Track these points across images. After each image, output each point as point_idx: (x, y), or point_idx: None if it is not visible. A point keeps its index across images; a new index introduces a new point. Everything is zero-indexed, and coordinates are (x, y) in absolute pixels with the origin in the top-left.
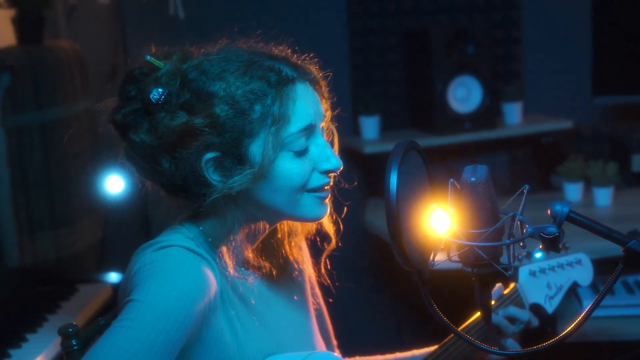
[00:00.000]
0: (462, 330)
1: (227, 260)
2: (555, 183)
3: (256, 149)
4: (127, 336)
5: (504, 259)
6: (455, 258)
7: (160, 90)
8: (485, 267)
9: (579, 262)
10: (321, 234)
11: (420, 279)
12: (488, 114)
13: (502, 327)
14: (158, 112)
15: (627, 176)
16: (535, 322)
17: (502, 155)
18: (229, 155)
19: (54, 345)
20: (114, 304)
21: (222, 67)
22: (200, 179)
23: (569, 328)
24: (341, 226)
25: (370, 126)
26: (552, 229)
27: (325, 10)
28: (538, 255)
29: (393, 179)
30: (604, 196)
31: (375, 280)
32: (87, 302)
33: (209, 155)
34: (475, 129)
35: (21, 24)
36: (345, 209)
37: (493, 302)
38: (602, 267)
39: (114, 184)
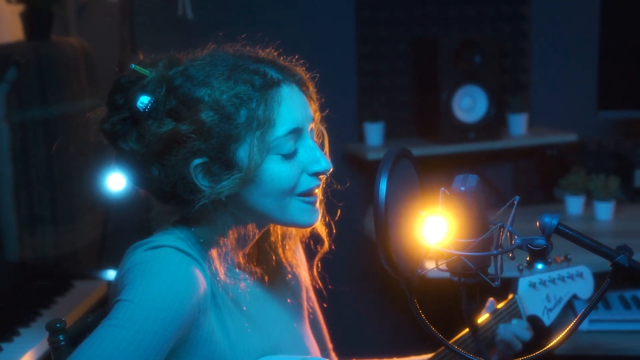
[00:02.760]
0: (457, 340)
1: (218, 265)
2: (559, 196)
3: (243, 153)
4: (115, 335)
5: (492, 269)
6: (443, 267)
7: (146, 98)
8: (472, 277)
9: (580, 275)
10: (315, 237)
11: (408, 287)
12: (493, 125)
13: (512, 344)
14: (145, 120)
15: (629, 191)
16: (527, 335)
17: (507, 166)
18: (216, 160)
19: (46, 340)
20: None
21: (207, 72)
22: (189, 186)
23: (555, 341)
24: (334, 229)
25: (374, 133)
26: (540, 241)
27: (333, 16)
28: (539, 266)
29: (382, 186)
30: (605, 210)
31: (374, 285)
32: (81, 298)
33: (197, 161)
34: (480, 139)
35: (30, 20)
36: (339, 211)
37: (488, 315)
38: (602, 281)
39: (115, 182)
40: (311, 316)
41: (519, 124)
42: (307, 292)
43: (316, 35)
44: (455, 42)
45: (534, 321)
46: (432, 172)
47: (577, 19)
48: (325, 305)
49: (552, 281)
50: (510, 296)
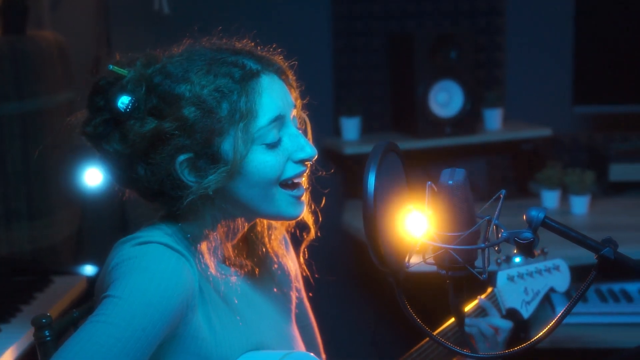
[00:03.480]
0: (438, 333)
1: (208, 259)
2: (533, 190)
3: (227, 146)
4: (102, 331)
5: (478, 263)
6: (431, 260)
7: (127, 98)
8: (460, 271)
9: (556, 268)
10: (300, 225)
11: (395, 280)
12: (469, 119)
13: (487, 335)
14: (127, 120)
15: (604, 185)
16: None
17: (481, 160)
18: (201, 155)
19: (27, 336)
20: (88, 296)
21: (186, 67)
22: (176, 182)
23: (541, 333)
24: (320, 217)
25: (351, 127)
26: (527, 234)
27: (310, 10)
28: (517, 260)
29: (371, 180)
30: (580, 204)
31: (352, 280)
32: (61, 294)
33: (182, 157)
34: (456, 133)
35: (4, 14)
36: (324, 199)
37: (468, 309)
38: (576, 274)
39: (92, 177)
40: (297, 310)
41: (494, 118)
42: (295, 283)
43: (292, 29)
44: (431, 37)
45: (512, 314)
46: (407, 167)
47: (551, 13)
48: (310, 294)
49: (530, 274)
50: (490, 289)
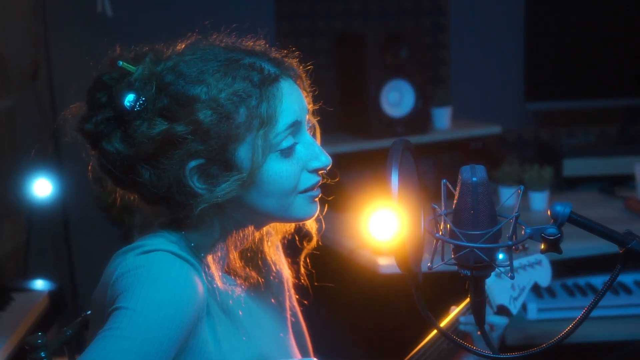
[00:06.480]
0: (435, 334)
1: (214, 270)
2: None
3: (243, 153)
4: (119, 346)
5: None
6: (451, 261)
7: (133, 96)
8: (483, 270)
9: (539, 263)
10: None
11: (414, 283)
12: (420, 118)
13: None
14: (133, 120)
15: (558, 181)
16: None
17: (431, 159)
18: (214, 162)
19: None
20: (54, 312)
21: (200, 68)
22: (184, 189)
23: (567, 329)
24: (323, 225)
25: None
26: (553, 230)
27: (253, 9)
28: (500, 256)
29: (394, 181)
30: (540, 200)
31: (316, 286)
32: (26, 311)
33: (193, 163)
34: (408, 133)
35: None
36: (326, 206)
37: (459, 309)
38: None
39: (41, 188)
40: (293, 319)
41: (442, 117)
42: (289, 291)
43: (234, 30)
44: (381, 36)
45: (502, 311)
46: (359, 168)
47: (499, 11)
48: (305, 302)
49: (515, 270)
50: None
